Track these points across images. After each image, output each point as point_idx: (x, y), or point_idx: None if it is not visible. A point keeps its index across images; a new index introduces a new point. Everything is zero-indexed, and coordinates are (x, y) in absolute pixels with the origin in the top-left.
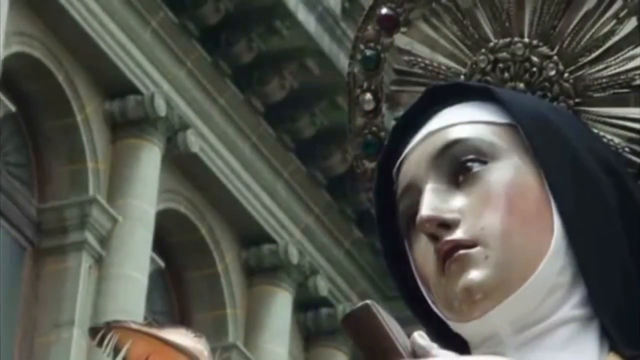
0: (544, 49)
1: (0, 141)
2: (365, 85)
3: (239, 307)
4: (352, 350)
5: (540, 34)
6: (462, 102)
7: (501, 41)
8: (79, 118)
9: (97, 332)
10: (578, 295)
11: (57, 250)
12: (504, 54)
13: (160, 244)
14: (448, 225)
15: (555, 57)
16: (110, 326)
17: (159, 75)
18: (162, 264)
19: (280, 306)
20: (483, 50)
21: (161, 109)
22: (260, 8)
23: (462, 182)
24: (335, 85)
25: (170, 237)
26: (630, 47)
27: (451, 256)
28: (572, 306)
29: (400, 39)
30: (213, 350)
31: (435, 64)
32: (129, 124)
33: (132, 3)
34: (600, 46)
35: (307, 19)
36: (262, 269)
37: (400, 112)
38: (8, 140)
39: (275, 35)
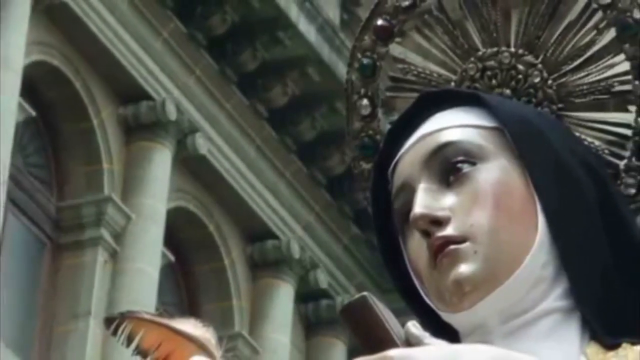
0: (529, 58)
1: (21, 144)
2: (362, 91)
3: (244, 298)
4: (350, 340)
5: (526, 44)
6: (452, 107)
7: (489, 50)
8: (95, 122)
9: (112, 322)
10: (560, 287)
11: (74, 245)
12: (491, 62)
13: (170, 240)
14: (439, 222)
15: (540, 65)
16: (124, 316)
17: (170, 82)
18: (172, 258)
19: (283, 298)
20: (472, 59)
21: (172, 113)
22: (264, 19)
23: (453, 181)
24: (335, 91)
25: (180, 233)
26: (609, 56)
27: (442, 251)
28: (555, 298)
29: (395, 49)
30: (220, 339)
31: (428, 72)
32: (141, 127)
33: (144, 15)
34: (582, 55)
35: (308, 29)
36: (266, 263)
37: (395, 117)
38: (29, 143)
39: (278, 45)
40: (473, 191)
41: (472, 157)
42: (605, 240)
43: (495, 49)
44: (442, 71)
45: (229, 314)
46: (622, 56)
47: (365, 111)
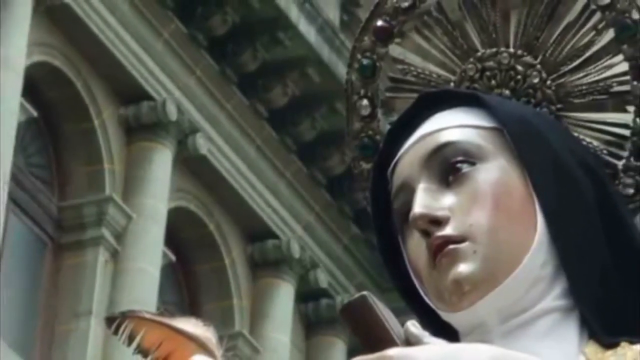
0: (528, 58)
1: (23, 144)
2: (362, 92)
3: (244, 298)
4: (350, 339)
5: (525, 45)
6: (451, 107)
7: (488, 51)
8: (96, 122)
9: (113, 321)
10: (559, 287)
11: (75, 245)
12: (490, 63)
13: (171, 240)
14: (439, 222)
15: (539, 66)
16: (125, 316)
17: (171, 83)
18: (173, 258)
19: (283, 297)
20: (471, 60)
21: (172, 114)
22: (264, 20)
23: (452, 181)
24: (334, 92)
25: (181, 233)
26: (608, 57)
27: (442, 251)
28: (554, 297)
29: (395, 49)
30: (220, 338)
31: (427, 72)
32: (142, 128)
33: (145, 15)
34: (581, 56)
35: (308, 30)
36: (266, 263)
37: (394, 117)
38: (30, 143)
39: (279, 46)
40: (472, 191)
41: (472, 157)
42: (603, 240)
43: (494, 50)
44: (442, 72)
45: (229, 313)
46: (620, 57)
47: (365, 111)
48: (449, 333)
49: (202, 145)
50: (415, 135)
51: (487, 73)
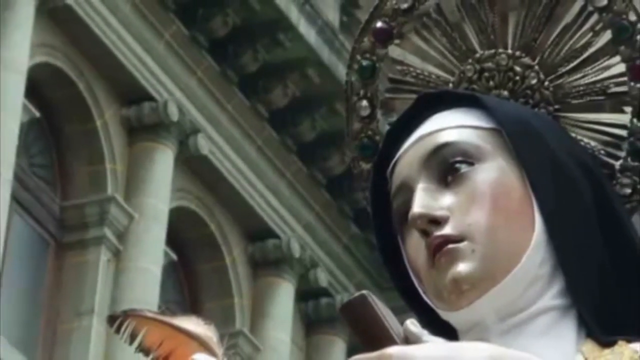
0: (526, 60)
1: (26, 144)
2: (361, 92)
3: (245, 297)
4: (350, 337)
5: (523, 46)
6: (450, 108)
7: (486, 52)
8: (98, 123)
9: (115, 320)
10: (557, 286)
11: (78, 244)
12: (489, 64)
13: (173, 239)
14: (438, 222)
15: (537, 67)
16: (127, 314)
17: (172, 84)
18: (174, 257)
19: (284, 296)
20: (470, 61)
21: (174, 114)
22: (265, 22)
23: (451, 182)
24: (334, 93)
25: (182, 232)
26: (605, 58)
27: (441, 250)
28: (552, 296)
29: (394, 50)
30: (221, 337)
31: (426, 73)
32: (144, 128)
33: (147, 17)
34: (578, 57)
35: (308, 32)
36: (267, 262)
37: (394, 118)
38: (33, 144)
39: (279, 47)
40: (471, 191)
41: (470, 157)
42: (601, 240)
43: (492, 51)
44: (440, 73)
45: (230, 312)
46: (617, 58)
47: (365, 112)
48: (448, 331)
49: (203, 145)
50: (415, 135)
51: (486, 74)
